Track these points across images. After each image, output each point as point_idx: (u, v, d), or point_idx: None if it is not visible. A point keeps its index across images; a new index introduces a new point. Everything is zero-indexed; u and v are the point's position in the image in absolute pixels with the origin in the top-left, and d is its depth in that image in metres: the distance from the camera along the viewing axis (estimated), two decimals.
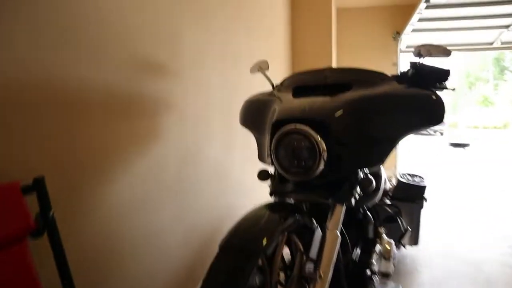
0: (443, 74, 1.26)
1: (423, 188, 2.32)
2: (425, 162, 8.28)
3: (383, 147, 1.15)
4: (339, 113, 1.12)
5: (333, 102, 1.15)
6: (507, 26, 5.02)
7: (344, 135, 1.11)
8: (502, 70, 27.19)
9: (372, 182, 1.17)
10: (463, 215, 3.81)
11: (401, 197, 2.17)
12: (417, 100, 1.16)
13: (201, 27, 1.89)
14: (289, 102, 1.25)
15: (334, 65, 4.92)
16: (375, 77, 1.29)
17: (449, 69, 1.25)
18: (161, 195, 1.56)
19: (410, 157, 8.56)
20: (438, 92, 1.18)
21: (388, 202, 2.13)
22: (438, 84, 1.26)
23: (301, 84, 1.36)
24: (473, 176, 6.44)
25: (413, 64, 1.26)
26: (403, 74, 1.28)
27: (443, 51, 1.25)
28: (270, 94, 1.44)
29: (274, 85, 1.55)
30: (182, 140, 1.74)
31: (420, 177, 2.39)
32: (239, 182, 2.42)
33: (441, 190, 5.07)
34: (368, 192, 1.18)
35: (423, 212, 2.35)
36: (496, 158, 9.24)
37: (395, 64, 5.37)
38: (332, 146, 1.08)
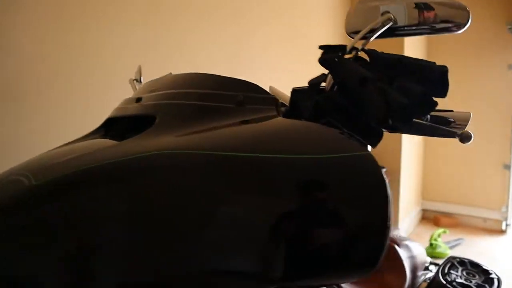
0: (435, 85, 0.51)
1: None
2: None
3: None
4: None
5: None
6: None
7: None
8: None
9: None
10: None
11: None
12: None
13: None
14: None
15: None
16: (218, 98, 0.55)
17: (446, 68, 0.50)
18: None
19: None
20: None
21: None
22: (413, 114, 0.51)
23: (116, 113, 0.66)
24: None
25: (331, 58, 0.54)
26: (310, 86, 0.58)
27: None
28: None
29: None
30: None
31: (486, 271, 1.03)
32: None
33: None
34: None
35: None
36: None
37: None
38: None
